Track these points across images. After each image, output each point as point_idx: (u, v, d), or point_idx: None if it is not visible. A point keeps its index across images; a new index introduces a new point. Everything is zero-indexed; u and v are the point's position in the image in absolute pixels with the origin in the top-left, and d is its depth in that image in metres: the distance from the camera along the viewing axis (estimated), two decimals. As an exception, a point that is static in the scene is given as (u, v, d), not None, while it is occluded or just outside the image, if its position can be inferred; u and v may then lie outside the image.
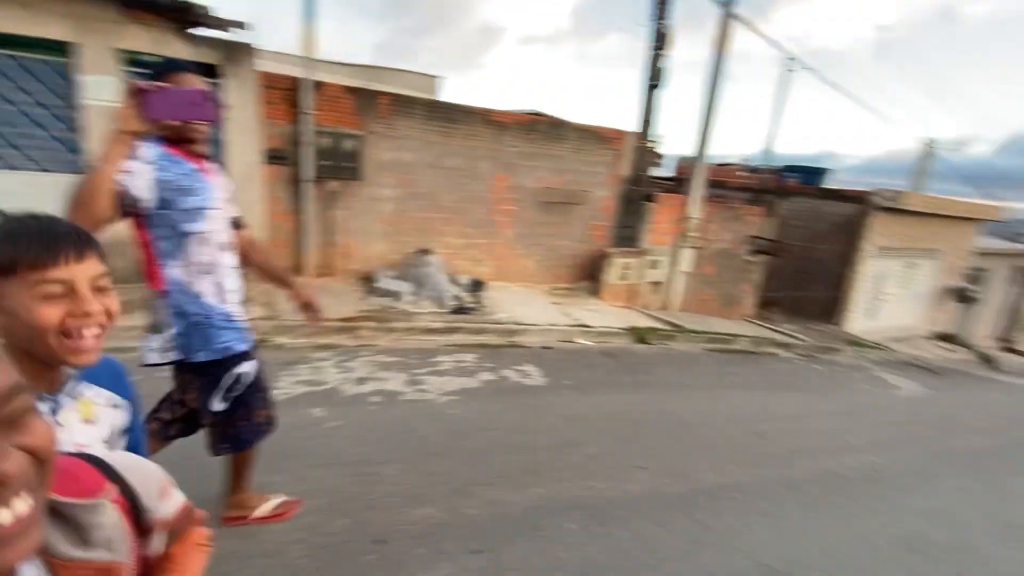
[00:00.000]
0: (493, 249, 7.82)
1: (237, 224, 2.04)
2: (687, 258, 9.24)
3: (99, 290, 0.80)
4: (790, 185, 12.76)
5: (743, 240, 9.83)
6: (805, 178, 12.62)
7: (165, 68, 1.69)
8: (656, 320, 8.26)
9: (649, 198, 8.49)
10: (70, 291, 0.76)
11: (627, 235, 8.82)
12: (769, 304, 11.22)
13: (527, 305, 7.39)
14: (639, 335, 7.27)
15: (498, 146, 7.43)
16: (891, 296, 12.75)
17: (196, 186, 1.75)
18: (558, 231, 8.26)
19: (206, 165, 1.84)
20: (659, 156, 13.27)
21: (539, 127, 7.69)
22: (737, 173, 13.85)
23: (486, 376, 4.27)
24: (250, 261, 2.13)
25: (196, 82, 1.68)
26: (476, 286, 7.35)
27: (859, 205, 11.47)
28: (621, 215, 8.81)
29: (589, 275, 8.59)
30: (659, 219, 8.69)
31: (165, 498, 0.65)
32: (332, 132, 6.10)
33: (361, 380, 3.64)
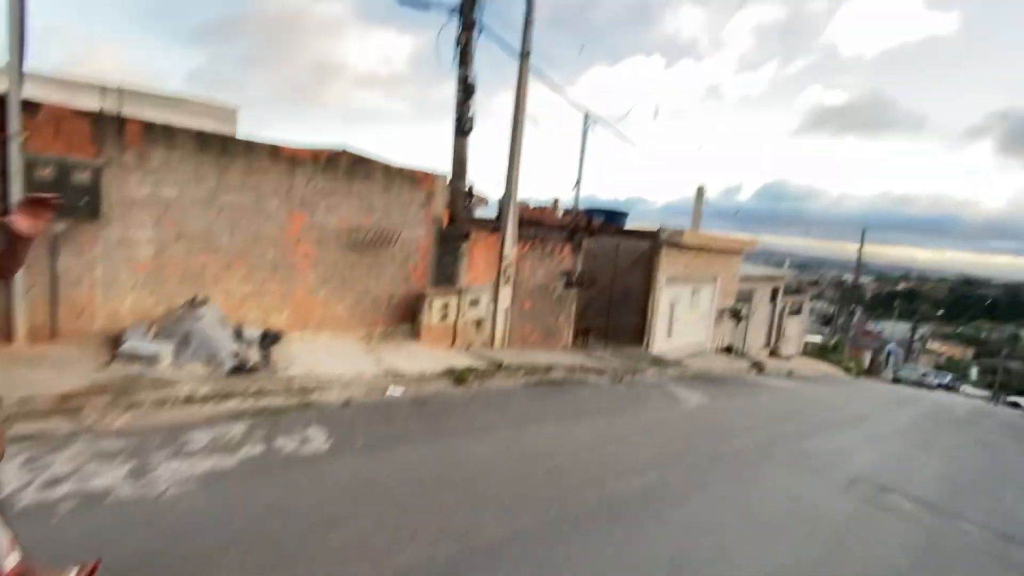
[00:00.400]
0: (292, 295, 7.08)
1: None
2: (506, 295, 9.47)
3: None
4: (598, 225, 14.09)
5: (556, 275, 10.44)
6: (609, 219, 14.04)
7: None
8: (477, 359, 8.21)
9: (465, 237, 8.55)
10: None
11: (447, 274, 8.74)
12: (585, 333, 12.04)
13: (333, 355, 6.77)
14: (457, 377, 7.10)
15: (291, 183, 6.84)
16: (684, 319, 14.67)
17: None
18: (371, 273, 7.84)
19: None
20: (481, 198, 13.75)
21: (341, 164, 7.29)
22: (552, 215, 14.90)
23: (251, 450, 3.62)
24: None
25: None
26: (268, 339, 6.53)
27: (651, 241, 13.08)
28: (439, 255, 8.72)
29: (410, 317, 8.27)
30: (476, 258, 8.79)
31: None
32: (57, 161, 4.96)
33: (54, 481, 2.76)
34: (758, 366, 15.62)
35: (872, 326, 57.75)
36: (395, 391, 6.27)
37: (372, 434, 4.41)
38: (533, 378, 8.18)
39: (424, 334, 8.08)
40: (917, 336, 52.45)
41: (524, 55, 8.99)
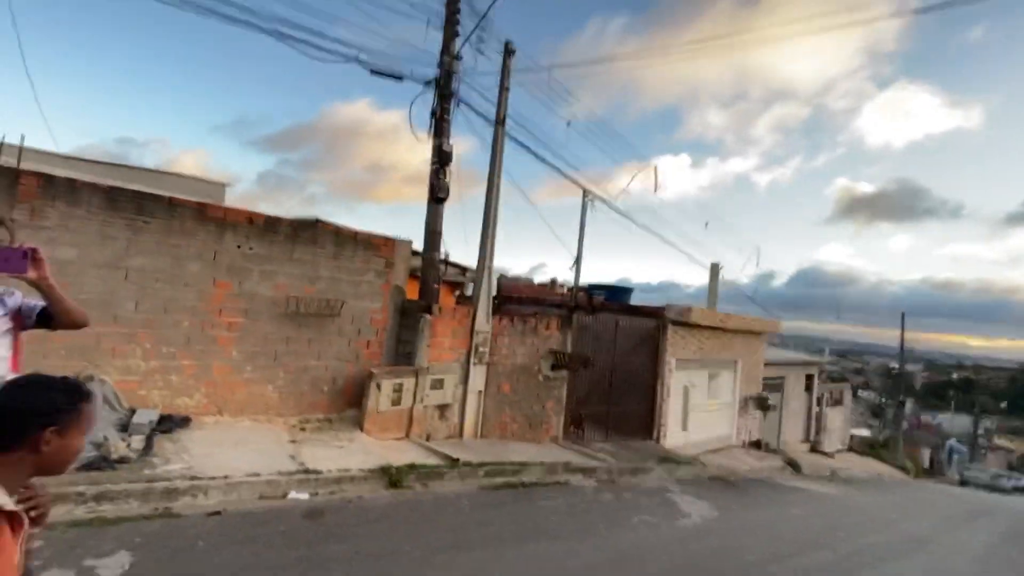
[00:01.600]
0: (208, 373, 6.08)
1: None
2: (478, 376, 8.26)
3: None
4: (598, 302, 12.98)
5: (542, 355, 9.22)
6: (612, 296, 12.95)
7: None
8: (431, 453, 6.87)
9: (427, 310, 7.56)
10: None
11: (407, 352, 7.66)
12: (579, 423, 10.52)
13: (243, 447, 5.60)
14: (392, 477, 5.78)
15: (219, 247, 6.08)
16: (701, 408, 12.95)
17: None
18: (311, 349, 6.83)
19: None
20: (461, 268, 12.96)
21: (281, 228, 6.56)
22: (549, 291, 13.93)
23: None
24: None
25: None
26: (169, 424, 5.45)
27: (656, 320, 11.82)
28: (398, 330, 7.71)
29: (357, 402, 7.11)
30: (441, 333, 7.72)
31: None
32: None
33: None
34: (793, 464, 13.49)
35: (928, 418, 52.71)
36: (298, 495, 5.02)
37: (198, 568, 3.15)
38: (496, 480, 6.75)
39: (370, 422, 6.86)
40: (981, 431, 47.28)
41: (499, 121, 8.48)
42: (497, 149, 8.42)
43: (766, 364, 16.78)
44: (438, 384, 7.70)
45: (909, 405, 45.51)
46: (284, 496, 5.00)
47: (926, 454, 31.41)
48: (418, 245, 8.50)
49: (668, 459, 10.11)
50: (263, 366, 6.47)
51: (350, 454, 6.09)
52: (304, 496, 5.06)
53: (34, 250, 1.86)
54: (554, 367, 9.34)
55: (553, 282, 14.21)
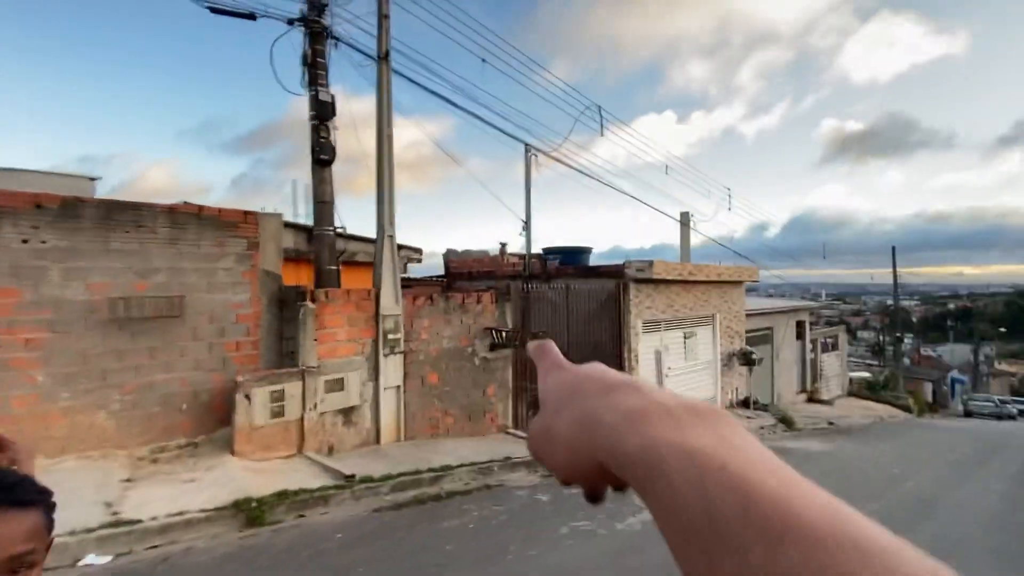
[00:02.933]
0: (6, 406, 4.71)
1: None
2: (393, 368, 6.92)
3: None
4: (553, 268, 11.63)
5: (476, 334, 7.88)
6: (567, 259, 11.58)
7: None
8: (323, 472, 5.57)
9: (304, 297, 6.17)
10: None
11: (292, 350, 6.30)
12: (537, 404, 9.23)
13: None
14: (251, 513, 4.48)
15: (-7, 242, 4.66)
16: (678, 370, 11.72)
17: None
18: (154, 361, 5.46)
19: None
20: (413, 254, 11.55)
21: (86, 212, 5.12)
22: (497, 261, 12.54)
23: None
24: None
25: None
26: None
27: (615, 280, 10.48)
28: (279, 326, 6.33)
29: (229, 419, 5.77)
30: (333, 323, 6.35)
31: None
32: None
33: None
34: (785, 421, 12.33)
35: (928, 352, 52.13)
36: (97, 559, 3.70)
37: None
38: (404, 495, 5.46)
39: (243, 441, 5.53)
40: (981, 358, 46.70)
41: (382, 57, 6.98)
42: (383, 90, 6.94)
43: (750, 315, 15.55)
44: (336, 385, 6.36)
45: (908, 341, 44.78)
46: (75, 563, 3.69)
47: (928, 388, 30.56)
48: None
49: (638, 435, 8.88)
50: (87, 389, 5.09)
51: (200, 489, 4.77)
52: (104, 560, 3.76)
53: None
54: (493, 347, 8.01)
55: (503, 251, 12.81)
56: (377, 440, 6.77)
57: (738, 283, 13.60)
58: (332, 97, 7.20)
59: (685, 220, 15.02)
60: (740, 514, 0.22)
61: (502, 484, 6.05)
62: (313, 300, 6.15)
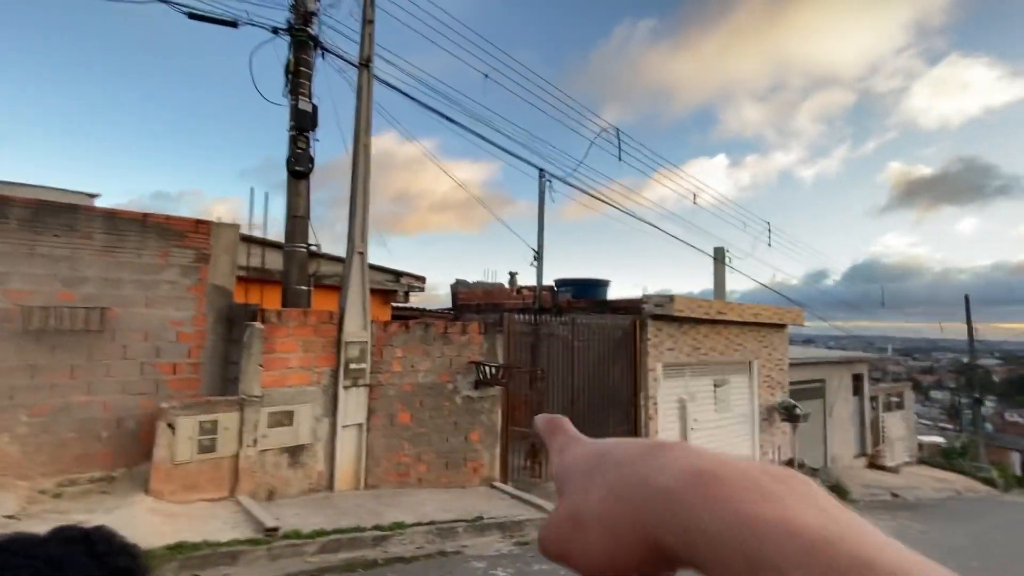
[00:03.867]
0: None
1: None
2: (355, 403, 6.09)
3: None
4: (564, 301, 10.66)
5: (457, 369, 6.98)
6: (579, 292, 10.62)
7: None
8: (245, 520, 4.72)
9: (254, 316, 5.51)
10: None
11: (237, 376, 5.60)
12: (535, 454, 8.12)
13: None
14: (121, 571, 3.64)
15: None
16: (707, 423, 10.29)
17: None
18: (74, 380, 4.87)
19: None
20: (415, 282, 10.91)
21: (11, 213, 4.70)
22: (507, 293, 11.69)
23: None
24: None
25: None
26: None
27: (631, 316, 9.40)
28: (224, 348, 5.68)
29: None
30: (282, 346, 5.63)
31: None
32: None
33: None
34: (838, 491, 10.54)
35: (1015, 418, 46.46)
36: None
37: None
38: (336, 557, 4.52)
39: (160, 479, 4.78)
40: (1081, 427, 40.93)
41: (363, 64, 6.52)
42: (362, 99, 6.44)
43: (797, 364, 13.90)
44: (283, 419, 5.58)
45: (990, 404, 40.02)
46: None
47: (1016, 459, 26.72)
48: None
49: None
50: (-12, 409, 4.53)
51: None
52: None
53: None
54: (478, 384, 7.07)
55: (512, 281, 11.96)
56: (330, 486, 5.88)
57: (780, 327, 12.13)
58: (314, 107, 6.78)
59: (720, 256, 13.77)
60: None
61: (461, 552, 5.00)
62: (260, 320, 5.47)
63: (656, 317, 9.32)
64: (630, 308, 9.60)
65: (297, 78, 6.73)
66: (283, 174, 6.63)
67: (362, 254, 6.28)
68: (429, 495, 6.31)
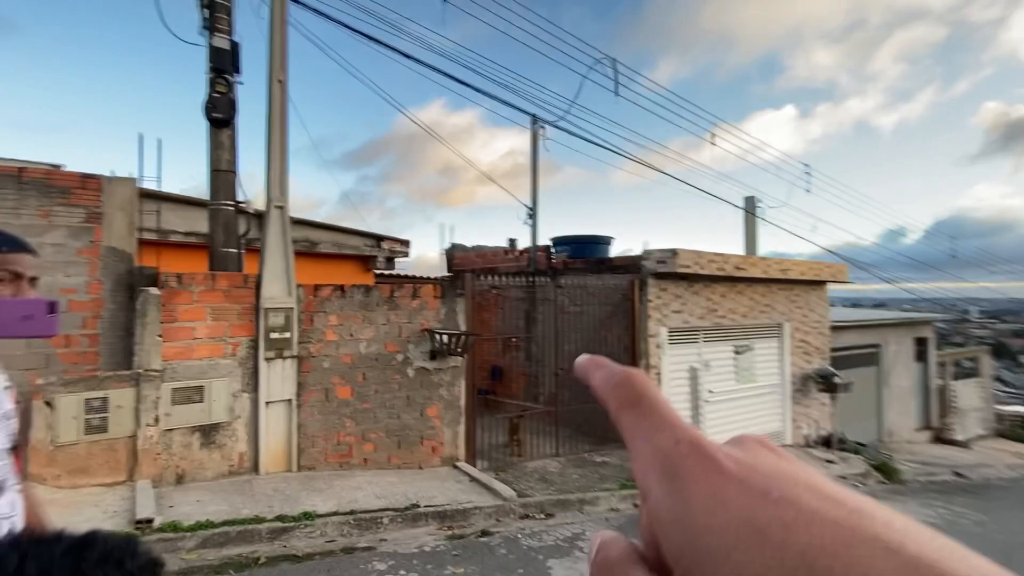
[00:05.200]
0: None
1: (15, 450, 1.22)
2: (282, 376, 5.42)
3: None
4: (559, 261, 9.59)
5: (408, 337, 6.17)
6: (576, 251, 9.51)
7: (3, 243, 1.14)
8: (127, 511, 4.16)
9: (153, 281, 4.87)
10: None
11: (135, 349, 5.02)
12: (516, 430, 7.28)
13: None
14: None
15: None
16: (725, 395, 9.07)
17: None
18: (-55, 355, 4.39)
19: None
20: (399, 246, 10.14)
21: None
22: (503, 257, 10.71)
23: None
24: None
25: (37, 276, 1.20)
26: None
27: (629, 275, 8.24)
28: (125, 317, 5.10)
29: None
30: (187, 314, 4.99)
31: None
32: None
33: None
34: (884, 470, 9.11)
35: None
36: None
37: None
38: (220, 553, 3.88)
39: (42, 463, 4.29)
40: None
41: (277, -14, 5.61)
42: (275, 27, 5.56)
43: (845, 328, 12.25)
44: (193, 395, 4.97)
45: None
46: None
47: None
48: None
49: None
50: None
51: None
52: None
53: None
54: (434, 354, 6.25)
55: (511, 244, 10.94)
56: (255, 468, 5.28)
57: (817, 284, 10.55)
58: (234, 45, 5.97)
59: (750, 207, 12.17)
60: None
61: (374, 547, 4.25)
62: (156, 284, 4.83)
63: (660, 276, 8.12)
64: (629, 266, 8.44)
65: (214, 12, 5.93)
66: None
67: (281, 208, 5.50)
68: (372, 478, 5.62)
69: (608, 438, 8.03)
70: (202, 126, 5.80)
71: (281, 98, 5.54)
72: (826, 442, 10.17)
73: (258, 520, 4.28)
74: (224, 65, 5.93)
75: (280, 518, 4.36)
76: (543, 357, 9.04)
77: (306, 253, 8.56)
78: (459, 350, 6.11)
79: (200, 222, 6.52)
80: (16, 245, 1.15)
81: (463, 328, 6.45)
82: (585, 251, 9.42)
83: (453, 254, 11.49)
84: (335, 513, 4.60)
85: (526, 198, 10.12)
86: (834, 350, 11.76)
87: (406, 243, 10.13)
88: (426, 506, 4.98)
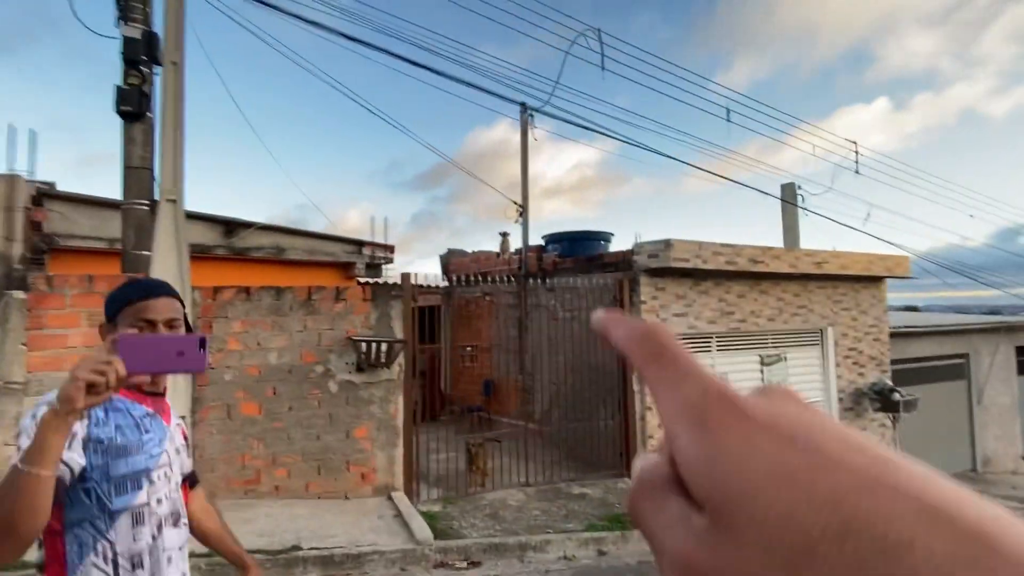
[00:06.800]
0: None
1: (191, 483, 1.40)
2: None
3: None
4: (550, 262, 8.51)
5: (331, 346, 5.38)
6: (567, 249, 8.42)
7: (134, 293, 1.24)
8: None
9: (23, 284, 4.40)
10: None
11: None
12: (473, 457, 6.25)
13: None
14: None
15: None
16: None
17: (141, 440, 1.20)
18: None
19: (161, 404, 1.31)
20: (384, 252, 9.49)
21: None
22: (502, 258, 9.77)
23: None
24: (202, 533, 1.47)
25: (177, 316, 1.27)
26: None
27: (619, 272, 7.05)
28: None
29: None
30: (58, 321, 4.47)
31: None
32: None
33: None
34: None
35: None
36: None
37: None
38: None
39: None
40: None
41: (174, -40, 5.13)
42: (170, 4, 5.06)
43: (919, 334, 10.24)
44: (63, 410, 4.42)
45: None
46: None
47: None
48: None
49: (617, 518, 5.35)
50: None
51: None
52: None
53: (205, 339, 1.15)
54: (362, 366, 5.41)
55: (504, 243, 9.94)
56: (139, 496, 4.63)
57: (872, 280, 8.74)
58: (148, 34, 5.55)
59: (789, 195, 10.50)
60: None
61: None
62: (23, 288, 4.35)
63: (655, 273, 6.88)
64: (620, 263, 7.25)
65: (128, 0, 5.56)
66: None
67: (174, 201, 4.92)
68: (277, 510, 4.82)
69: (597, 465, 6.81)
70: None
71: (175, 81, 5.02)
72: (889, 474, 8.26)
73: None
74: (137, 56, 5.51)
75: None
76: (535, 369, 7.97)
77: (272, 260, 8.09)
78: (383, 361, 5.23)
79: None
80: (144, 292, 1.23)
81: (399, 336, 5.57)
82: (578, 249, 8.31)
83: (449, 260, 10.72)
84: (192, 554, 3.82)
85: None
86: (903, 361, 9.79)
87: (390, 248, 9.47)
88: (311, 548, 4.10)
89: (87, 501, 1.12)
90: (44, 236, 6.62)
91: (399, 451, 5.52)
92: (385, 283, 6.26)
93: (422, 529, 4.53)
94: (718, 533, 0.16)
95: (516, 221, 9.10)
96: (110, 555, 1.13)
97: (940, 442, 10.47)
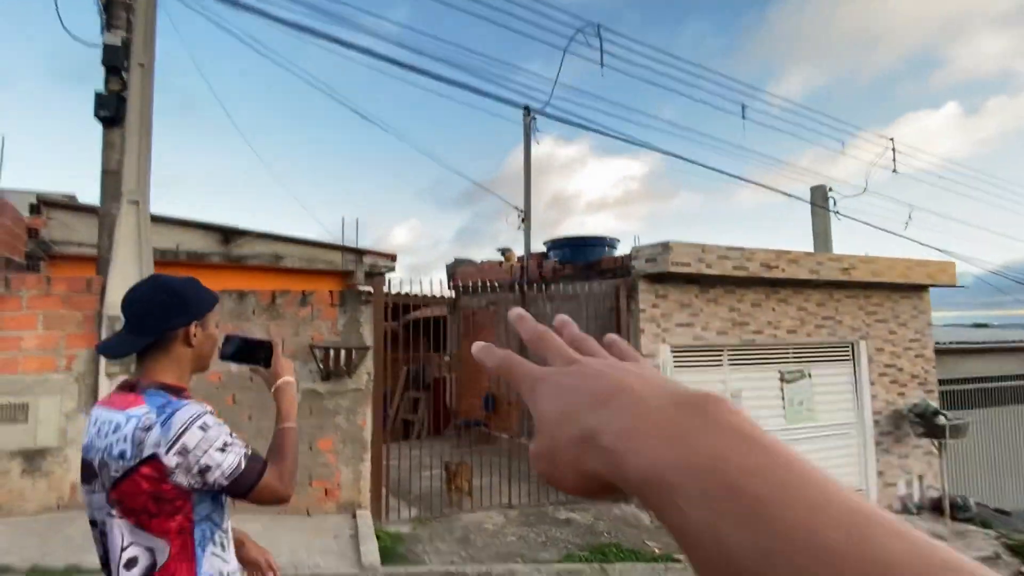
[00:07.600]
0: None
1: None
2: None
3: None
4: (549, 269, 8.09)
5: (297, 354, 5.14)
6: (567, 255, 7.97)
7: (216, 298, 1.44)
8: None
9: (-20, 285, 4.39)
10: None
11: (-17, 362, 4.54)
12: (453, 476, 5.84)
13: None
14: None
15: None
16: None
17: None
18: None
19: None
20: (386, 258, 9.31)
21: None
22: (496, 269, 9.40)
23: None
24: None
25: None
26: None
27: (617, 279, 6.55)
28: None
29: None
30: (12, 323, 4.43)
31: None
32: None
33: None
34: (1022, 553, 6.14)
35: None
36: None
37: None
38: None
39: None
40: None
41: (147, -35, 5.14)
42: (139, 4, 5.07)
43: (971, 351, 9.18)
44: (16, 414, 4.35)
45: None
46: None
47: None
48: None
49: (603, 548, 4.80)
50: None
51: None
52: None
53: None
54: (326, 375, 5.15)
55: (507, 253, 9.54)
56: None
57: (914, 289, 7.83)
58: (126, 42, 5.62)
59: (818, 198, 9.67)
60: (759, 557, 0.19)
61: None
62: (-21, 290, 4.34)
63: (656, 279, 6.35)
64: (618, 269, 6.75)
65: (111, 8, 5.65)
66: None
67: (138, 203, 4.85)
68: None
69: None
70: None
71: (142, 83, 4.99)
72: (939, 507, 7.26)
73: (39, 572, 3.41)
74: (117, 62, 5.57)
75: (43, 572, 3.45)
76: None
77: (269, 268, 8.04)
78: (345, 369, 4.95)
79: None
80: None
81: (369, 343, 5.29)
82: (581, 255, 7.85)
83: (455, 270, 10.45)
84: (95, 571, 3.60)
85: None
86: (955, 381, 8.74)
87: (392, 257, 9.29)
88: None
89: (209, 495, 1.22)
90: (41, 243, 6.77)
91: (366, 466, 5.20)
92: (355, 288, 6.02)
93: (370, 553, 4.17)
94: (536, 429, 0.30)
95: (518, 228, 8.76)
96: (222, 542, 1.26)
97: (1000, 471, 9.25)
